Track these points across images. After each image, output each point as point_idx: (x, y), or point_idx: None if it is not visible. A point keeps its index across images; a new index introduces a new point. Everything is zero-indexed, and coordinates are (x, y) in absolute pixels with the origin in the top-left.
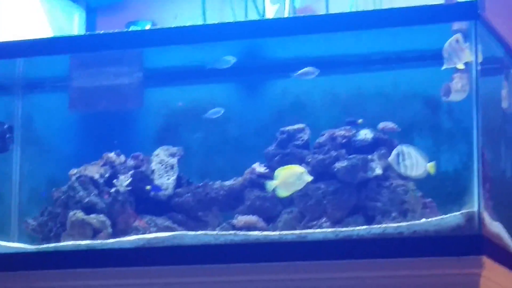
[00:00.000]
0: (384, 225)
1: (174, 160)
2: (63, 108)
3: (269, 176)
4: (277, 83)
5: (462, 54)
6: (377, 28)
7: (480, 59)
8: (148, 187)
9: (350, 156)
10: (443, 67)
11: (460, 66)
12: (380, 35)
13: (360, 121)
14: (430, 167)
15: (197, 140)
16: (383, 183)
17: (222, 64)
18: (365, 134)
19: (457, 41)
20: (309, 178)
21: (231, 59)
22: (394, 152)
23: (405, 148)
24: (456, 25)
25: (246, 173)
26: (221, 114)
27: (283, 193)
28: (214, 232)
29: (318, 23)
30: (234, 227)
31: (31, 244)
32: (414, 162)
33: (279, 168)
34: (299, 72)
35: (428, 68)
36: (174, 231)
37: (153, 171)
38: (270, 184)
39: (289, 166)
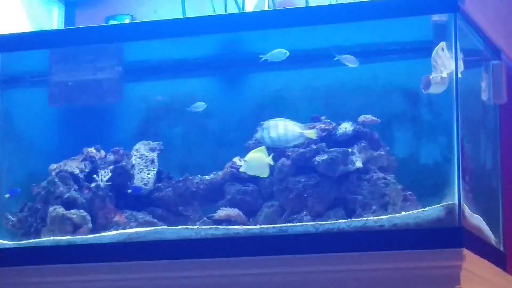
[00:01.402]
0: (364, 218)
1: (154, 155)
2: (42, 103)
3: None
4: (257, 76)
5: (448, 63)
6: (357, 21)
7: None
8: (129, 191)
9: (331, 150)
10: (431, 76)
11: (445, 74)
12: (360, 28)
13: (323, 117)
14: (309, 133)
15: (177, 134)
16: (363, 176)
17: (276, 57)
18: (345, 127)
19: (442, 49)
20: (270, 161)
21: (285, 52)
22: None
23: (272, 122)
24: (436, 17)
25: (227, 167)
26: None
27: (251, 173)
28: (195, 227)
29: (298, 16)
30: (214, 221)
31: (11, 240)
32: (282, 133)
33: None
34: (343, 56)
35: (407, 60)
36: (154, 226)
37: (133, 166)
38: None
39: (257, 150)
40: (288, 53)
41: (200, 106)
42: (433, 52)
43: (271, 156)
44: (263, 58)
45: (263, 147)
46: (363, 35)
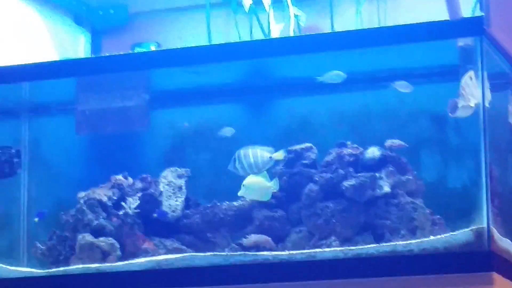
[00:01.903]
0: (393, 243)
1: (181, 182)
2: (70, 131)
3: (278, 196)
4: (284, 102)
5: (476, 92)
6: (383, 45)
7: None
8: (154, 215)
9: (358, 174)
10: (460, 105)
11: (472, 104)
12: (386, 52)
13: (349, 143)
14: (277, 155)
15: (205, 160)
16: (391, 200)
17: (333, 79)
18: (373, 152)
19: (470, 78)
20: (272, 186)
21: (342, 74)
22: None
23: (242, 151)
24: (462, 41)
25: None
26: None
27: (250, 197)
28: (224, 253)
29: (324, 41)
30: (243, 248)
31: (40, 268)
32: (253, 161)
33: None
34: (397, 83)
35: (434, 84)
36: (183, 252)
37: (161, 193)
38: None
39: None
40: (345, 76)
41: (228, 131)
42: (462, 80)
43: (274, 181)
44: (319, 80)
45: (264, 172)
46: (389, 60)
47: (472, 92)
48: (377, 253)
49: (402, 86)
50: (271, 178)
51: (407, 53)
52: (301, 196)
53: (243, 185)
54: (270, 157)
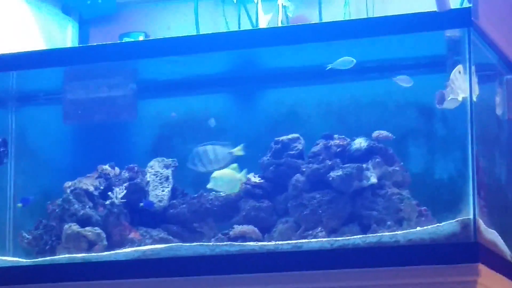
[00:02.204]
0: (379, 234)
1: (168, 172)
2: (57, 121)
3: (264, 186)
4: (271, 92)
5: (464, 86)
6: (371, 36)
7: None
8: (141, 204)
9: (345, 165)
10: (448, 98)
11: (460, 98)
12: (374, 43)
13: (336, 136)
14: (237, 150)
15: (192, 151)
16: (378, 191)
17: (343, 65)
18: (360, 143)
19: (459, 72)
20: (242, 177)
21: (352, 60)
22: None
23: (200, 148)
24: (449, 32)
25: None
26: (214, 125)
27: (219, 189)
28: (210, 243)
29: (312, 32)
30: (229, 238)
31: (26, 258)
32: (212, 157)
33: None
34: (398, 77)
35: (421, 75)
36: (169, 242)
37: (148, 183)
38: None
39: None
40: (354, 61)
41: (211, 122)
42: (451, 74)
43: (243, 172)
44: (329, 67)
45: (234, 164)
46: (377, 51)
47: (461, 85)
48: (363, 243)
49: (403, 81)
50: (257, 168)
51: (395, 44)
52: (287, 186)
53: (212, 178)
54: (230, 152)
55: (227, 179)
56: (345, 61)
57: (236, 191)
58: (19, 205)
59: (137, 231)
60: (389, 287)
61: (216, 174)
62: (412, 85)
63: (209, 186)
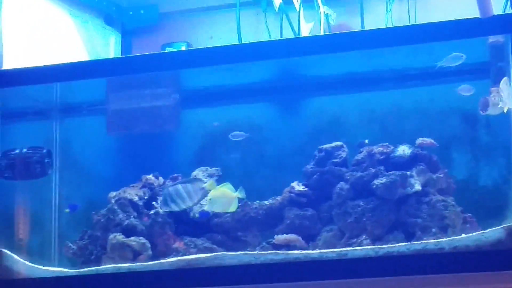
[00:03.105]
0: (424, 241)
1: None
2: (100, 131)
3: (308, 195)
4: (314, 101)
5: (509, 98)
6: (414, 44)
7: None
8: (196, 215)
9: (389, 173)
10: (493, 104)
11: (506, 109)
12: (417, 50)
13: (366, 141)
14: (208, 185)
15: (235, 160)
16: (422, 198)
17: (453, 61)
18: (403, 150)
19: (506, 83)
20: (239, 195)
21: (461, 55)
22: (161, 199)
23: (171, 189)
24: (492, 38)
25: (285, 192)
26: (247, 137)
27: (216, 210)
28: (255, 252)
29: (354, 40)
30: (274, 247)
31: (71, 268)
32: (185, 195)
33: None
34: (460, 87)
35: (465, 82)
36: (214, 252)
37: None
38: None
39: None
40: (464, 56)
41: (240, 135)
42: (501, 83)
43: (239, 190)
44: (439, 65)
45: (227, 183)
46: (420, 58)
47: (507, 96)
48: (408, 251)
49: (466, 90)
50: (301, 177)
51: (437, 51)
52: (331, 195)
53: (208, 200)
54: (202, 188)
55: (225, 199)
56: (455, 57)
57: (233, 210)
58: (67, 210)
59: (182, 240)
60: None
61: (212, 195)
62: (455, 92)
63: (207, 208)
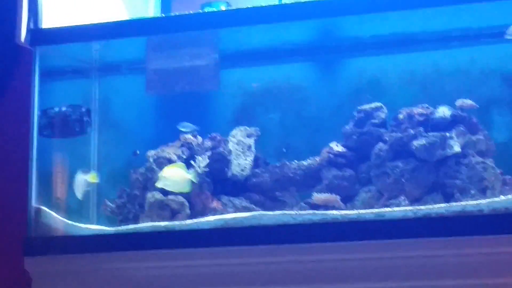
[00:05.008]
0: (463, 203)
1: (251, 141)
2: (140, 90)
3: (347, 155)
4: (354, 62)
5: None
6: (455, 4)
7: None
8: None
9: (428, 134)
10: None
11: None
12: (458, 12)
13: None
14: (91, 178)
15: (274, 120)
16: (461, 160)
17: None
18: (443, 111)
19: None
20: (191, 177)
21: None
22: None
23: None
24: None
25: (324, 152)
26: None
27: (170, 189)
28: (292, 212)
29: (394, 1)
30: (312, 207)
31: (110, 226)
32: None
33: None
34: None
35: (505, 44)
36: (252, 211)
37: (230, 152)
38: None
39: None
40: None
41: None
42: None
43: (192, 172)
44: (507, 37)
45: (181, 163)
46: (461, 19)
47: None
48: (447, 212)
49: None
50: (340, 137)
51: (480, 12)
52: (370, 155)
53: (161, 176)
54: (85, 180)
55: (178, 179)
56: None
57: (187, 191)
58: (138, 152)
59: (219, 200)
60: (473, 256)
61: (165, 173)
62: (496, 53)
63: (159, 185)
